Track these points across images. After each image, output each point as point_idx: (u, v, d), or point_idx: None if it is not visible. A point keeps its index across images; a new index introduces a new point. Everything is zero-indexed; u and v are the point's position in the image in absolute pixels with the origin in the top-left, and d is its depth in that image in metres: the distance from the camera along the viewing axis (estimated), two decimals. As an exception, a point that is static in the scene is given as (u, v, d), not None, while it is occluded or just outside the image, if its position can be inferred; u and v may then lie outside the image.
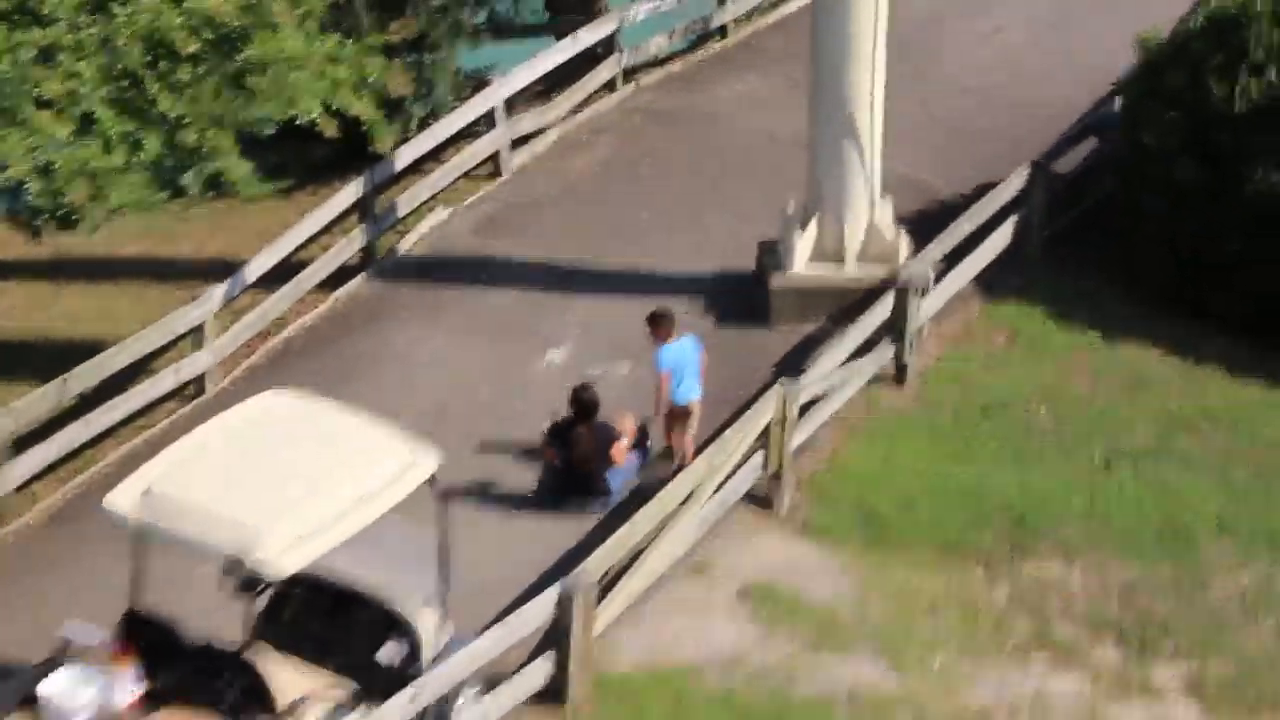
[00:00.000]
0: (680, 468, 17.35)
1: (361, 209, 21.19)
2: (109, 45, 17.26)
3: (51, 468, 17.69)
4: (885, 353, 19.15)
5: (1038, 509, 17.67)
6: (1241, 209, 20.35)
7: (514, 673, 14.41)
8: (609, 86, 25.50)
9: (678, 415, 17.82)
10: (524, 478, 17.52)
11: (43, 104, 16.79)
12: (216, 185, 17.64)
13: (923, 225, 21.16)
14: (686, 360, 17.79)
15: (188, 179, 17.49)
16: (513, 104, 23.54)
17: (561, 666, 14.59)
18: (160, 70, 17.43)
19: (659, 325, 17.83)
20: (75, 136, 16.84)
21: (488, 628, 14.46)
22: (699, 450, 17.11)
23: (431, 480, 13.55)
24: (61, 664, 13.32)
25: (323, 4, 19.25)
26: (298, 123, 18.53)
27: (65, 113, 16.90)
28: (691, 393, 17.81)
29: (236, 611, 13.65)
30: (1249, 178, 20.29)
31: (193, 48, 17.49)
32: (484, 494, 17.13)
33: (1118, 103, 23.25)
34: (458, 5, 24.19)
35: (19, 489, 17.33)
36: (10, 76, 16.60)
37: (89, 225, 17.17)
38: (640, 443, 17.82)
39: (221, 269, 19.81)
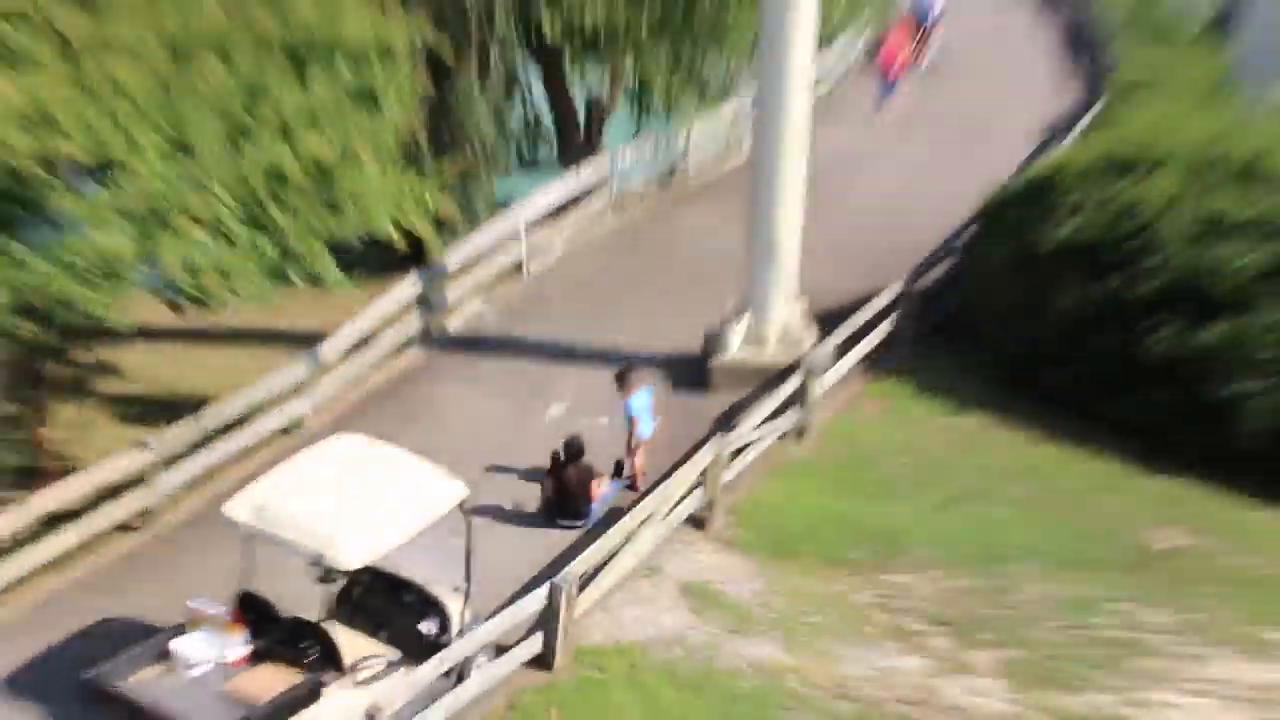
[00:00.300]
0: (632, 479, 17.83)
1: (419, 298, 21.43)
2: (240, 174, 17.36)
3: (190, 482, 17.88)
4: (793, 416, 19.37)
5: (897, 534, 17.92)
6: (1051, 320, 20.69)
7: (515, 644, 14.64)
8: (602, 212, 25.63)
9: (637, 445, 18.16)
10: (527, 501, 17.75)
11: (190, 216, 16.86)
12: (314, 279, 17.69)
13: (824, 321, 21.37)
14: (644, 406, 18.11)
15: (293, 274, 17.52)
16: (531, 223, 23.72)
17: (550, 640, 14.82)
18: (276, 194, 17.54)
19: (624, 383, 18.19)
20: (212, 241, 16.93)
21: (498, 611, 14.67)
22: (656, 483, 17.22)
23: (461, 503, 13.88)
24: (191, 627, 13.58)
25: (397, 148, 19.39)
26: (375, 236, 18.70)
27: (205, 223, 16.96)
28: (647, 430, 18.13)
29: (317, 594, 13.99)
30: (1055, 299, 20.65)
31: (299, 179, 17.63)
32: (497, 512, 17.29)
33: (965, 236, 23.57)
34: (493, 149, 24.32)
35: (167, 495, 17.56)
36: (167, 195, 16.66)
37: (219, 305, 17.25)
38: (616, 473, 18.10)
39: (316, 337, 19.99)
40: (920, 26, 33.46)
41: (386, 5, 20.41)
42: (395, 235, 18.65)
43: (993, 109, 31.72)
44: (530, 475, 18.04)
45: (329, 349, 19.78)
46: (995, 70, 34.70)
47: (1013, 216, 21.94)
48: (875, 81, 31.43)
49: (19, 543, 16.19)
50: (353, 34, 18.95)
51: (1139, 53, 33.92)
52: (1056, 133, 29.73)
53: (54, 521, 16.53)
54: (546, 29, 23.64)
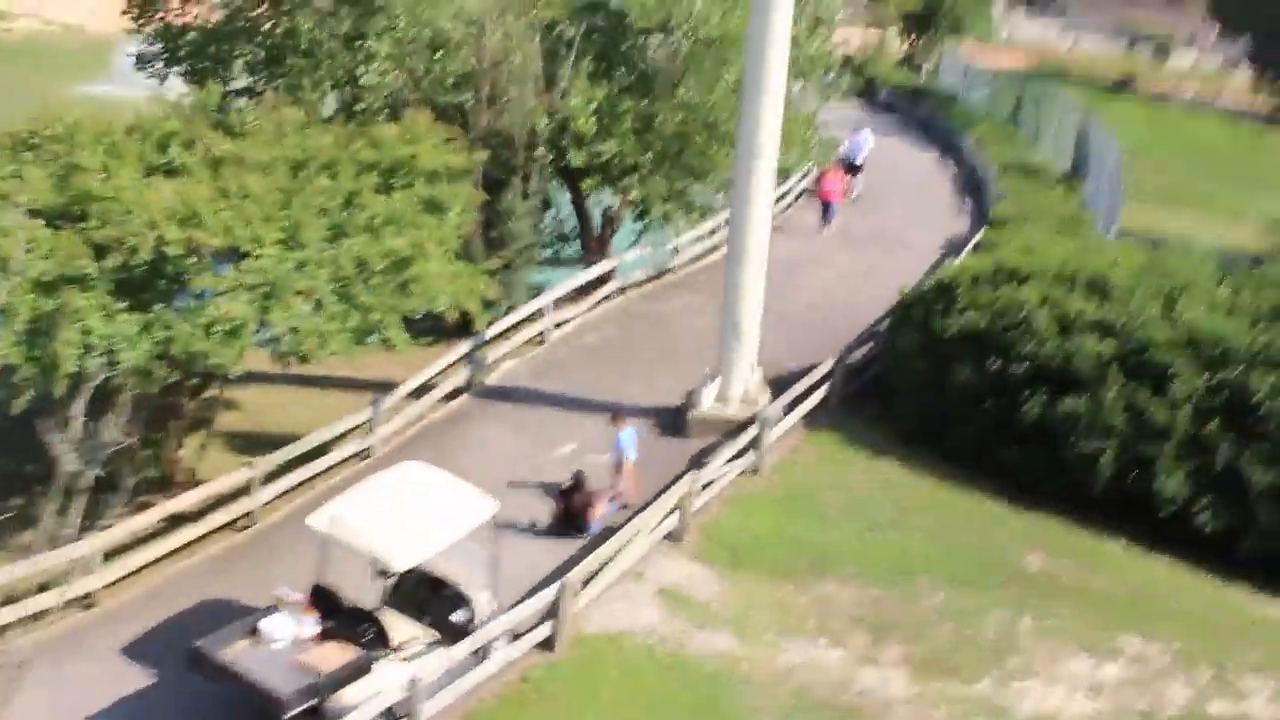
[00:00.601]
0: (621, 498, 17.29)
1: (467, 357, 20.77)
2: (336, 262, 17.03)
3: (283, 495, 17.28)
4: (750, 458, 18.77)
5: (828, 553, 17.22)
6: (950, 390, 20.14)
7: (527, 630, 14.08)
8: (609, 296, 25.01)
9: (625, 470, 17.55)
10: (541, 518, 17.05)
11: (296, 292, 16.53)
12: (387, 342, 17.31)
13: (776, 384, 20.70)
14: (630, 440, 17.54)
15: (372, 339, 17.15)
16: (555, 303, 23.12)
17: (556, 628, 14.29)
18: (362, 277, 17.20)
19: (616, 420, 17.71)
20: (312, 311, 16.59)
21: (516, 604, 14.15)
22: (642, 508, 16.65)
23: (492, 518, 13.38)
24: (275, 610, 12.99)
25: (456, 245, 19.08)
26: (435, 310, 18.20)
27: (308, 297, 16.65)
28: (633, 456, 17.54)
29: (375, 587, 13.39)
30: (953, 374, 20.08)
31: (381, 266, 17.29)
32: (518, 525, 16.57)
33: (885, 324, 23.06)
34: (530, 247, 24.04)
35: (265, 504, 16.97)
36: (280, 276, 16.37)
37: (316, 359, 16.89)
38: (613, 498, 17.44)
39: (387, 385, 19.45)
40: (851, 167, 33.10)
41: (454, 137, 20.23)
42: (451, 312, 18.31)
43: (907, 229, 31.38)
44: (544, 497, 17.37)
45: (396, 395, 19.19)
46: (908, 201, 34.46)
47: (921, 310, 21.43)
48: (818, 207, 30.97)
49: (148, 537, 15.78)
50: (427, 159, 18.92)
51: (1014, 190, 33.63)
52: (954, 248, 29.36)
53: (176, 522, 16.08)
54: (573, 160, 23.79)
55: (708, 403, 20.10)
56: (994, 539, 18.13)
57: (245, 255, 16.45)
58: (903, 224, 31.81)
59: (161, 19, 24.49)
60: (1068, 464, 18.88)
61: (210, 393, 19.21)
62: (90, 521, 12.43)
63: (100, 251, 15.88)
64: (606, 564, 15.33)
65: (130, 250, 15.79)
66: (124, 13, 24.78)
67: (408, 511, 13.11)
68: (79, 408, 9.84)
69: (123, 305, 15.75)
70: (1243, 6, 74.73)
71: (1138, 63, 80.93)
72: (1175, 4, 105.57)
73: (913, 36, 56.32)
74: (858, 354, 22.47)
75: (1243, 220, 44.01)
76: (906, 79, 52.57)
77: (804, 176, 32.04)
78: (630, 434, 17.67)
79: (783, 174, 26.34)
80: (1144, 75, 75.22)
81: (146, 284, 16.20)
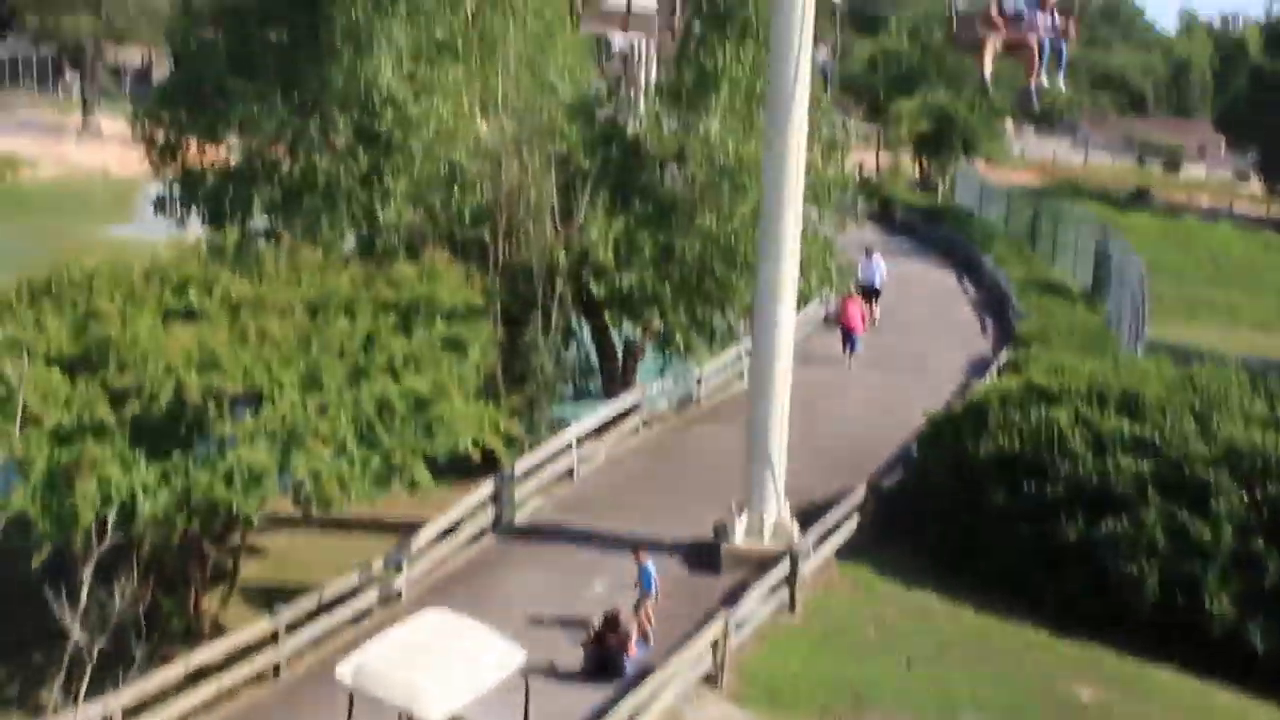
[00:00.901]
0: (645, 634, 16.90)
1: (494, 496, 20.46)
2: (358, 404, 16.94)
3: (310, 643, 16.87)
4: (783, 593, 18.34)
5: (868, 690, 16.71)
6: (985, 516, 19.78)
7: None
8: (635, 430, 24.76)
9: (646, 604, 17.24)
10: (573, 662, 16.58)
11: (317, 436, 16.40)
12: (411, 484, 17.06)
13: (807, 515, 20.31)
14: (650, 573, 17.25)
15: (395, 482, 16.92)
16: (580, 438, 22.82)
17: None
18: (384, 419, 17.08)
19: (638, 553, 17.47)
20: (333, 456, 16.41)
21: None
22: (675, 647, 16.17)
23: (521, 668, 13.03)
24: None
25: (478, 383, 18.98)
26: (459, 450, 17.97)
27: (329, 442, 16.50)
28: (651, 589, 17.21)
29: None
30: (988, 499, 19.75)
31: (402, 408, 17.19)
32: (549, 670, 16.06)
33: (914, 448, 22.79)
34: (553, 382, 23.95)
35: (291, 655, 16.51)
36: (301, 420, 16.29)
37: (337, 507, 16.66)
38: (644, 639, 17.02)
39: (413, 526, 19.13)
40: (869, 292, 33.02)
41: (473, 274, 20.32)
42: (475, 450, 18.11)
43: (930, 351, 31.31)
44: (575, 639, 16.86)
45: (421, 538, 18.84)
46: (929, 321, 34.49)
47: (951, 433, 21.19)
48: (839, 333, 30.75)
49: (173, 692, 15.27)
50: (446, 298, 18.99)
51: (1035, 308, 33.65)
52: (979, 368, 29.24)
53: (200, 675, 15.61)
54: (595, 292, 23.80)
55: (739, 536, 19.73)
56: (1039, 668, 17.60)
57: (264, 399, 16.38)
58: (925, 345, 31.73)
59: (181, 162, 24.95)
60: (1110, 587, 18.45)
61: (233, 540, 18.98)
62: (103, 686, 12.09)
63: (118, 399, 15.85)
64: (642, 709, 14.86)
65: (149, 398, 15.76)
66: (144, 155, 25.26)
67: (436, 660, 12.76)
68: (88, 573, 9.61)
69: (141, 454, 15.64)
70: (1248, 120, 75.83)
71: (1150, 176, 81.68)
72: (1182, 118, 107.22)
73: (924, 158, 57.06)
74: (888, 480, 22.16)
75: (1269, 329, 43.89)
76: (922, 199, 53.12)
77: (823, 302, 32.06)
78: (650, 567, 17.37)
79: (802, 299, 26.35)
80: (1157, 188, 75.84)
81: (166, 432, 16.12)
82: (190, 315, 17.91)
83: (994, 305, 36.74)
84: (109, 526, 13.59)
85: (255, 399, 16.58)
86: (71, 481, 15.03)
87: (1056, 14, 16.69)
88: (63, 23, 67.20)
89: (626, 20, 40.97)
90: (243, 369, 16.47)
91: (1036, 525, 19.25)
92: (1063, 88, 17.66)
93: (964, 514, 20.09)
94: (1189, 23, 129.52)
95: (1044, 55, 16.56)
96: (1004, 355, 29.23)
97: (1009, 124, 68.54)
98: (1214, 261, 55.07)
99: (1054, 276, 39.14)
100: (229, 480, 15.72)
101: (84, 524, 14.68)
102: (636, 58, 30.54)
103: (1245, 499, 18.47)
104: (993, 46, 16.75)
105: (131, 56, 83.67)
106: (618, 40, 25.74)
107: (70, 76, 77.32)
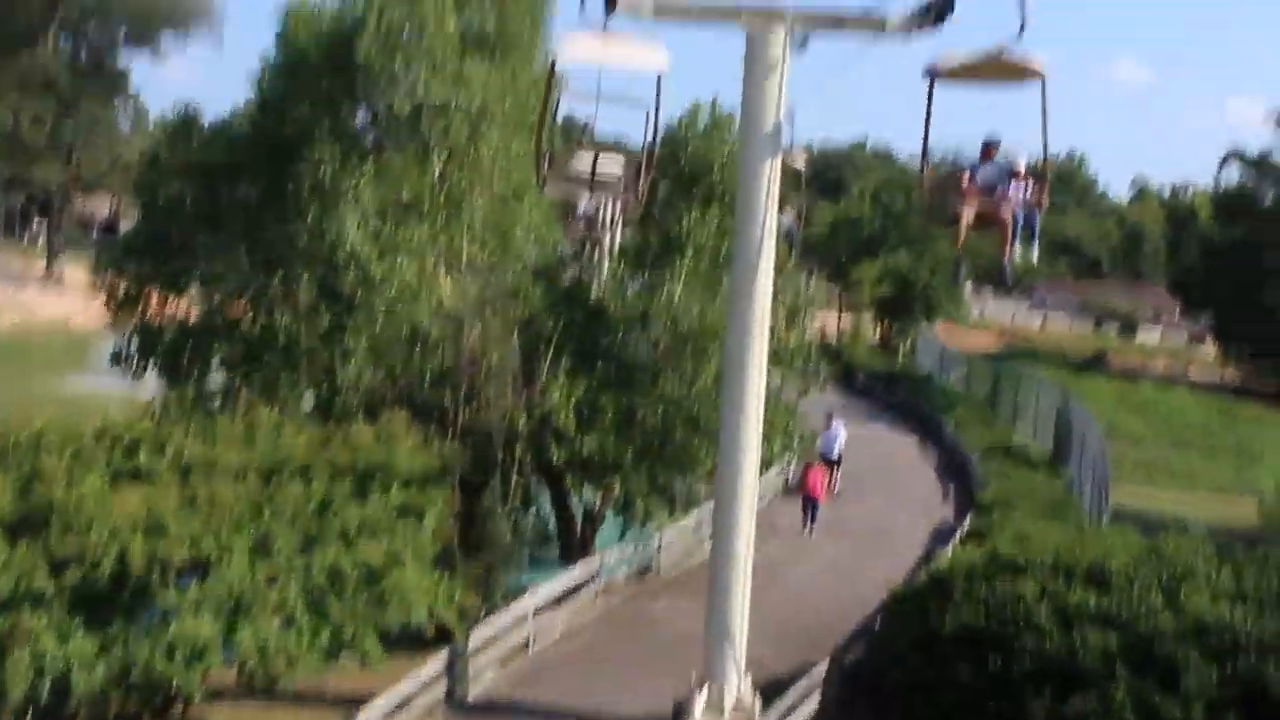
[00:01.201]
0: None
1: (447, 669, 19.69)
2: (309, 573, 16.52)
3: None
4: (746, 774, 17.75)
5: None
6: (951, 693, 19.24)
7: None
8: (593, 600, 24.19)
9: None
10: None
11: (266, 607, 15.93)
12: (361, 657, 16.50)
13: (769, 689, 19.72)
14: None
15: (345, 655, 16.39)
16: (537, 609, 22.17)
17: None
18: (335, 589, 16.65)
19: None
20: (281, 629, 15.91)
21: None
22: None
23: None
24: None
25: (435, 551, 18.60)
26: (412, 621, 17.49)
27: (277, 612, 16.02)
28: None
29: None
30: (953, 675, 19.25)
31: (355, 578, 16.79)
32: None
33: (878, 621, 22.38)
34: (510, 550, 23.56)
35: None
36: (248, 590, 15.85)
37: (284, 682, 16.08)
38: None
39: (362, 699, 18.16)
40: (829, 461, 32.82)
41: (432, 438, 20.09)
42: (428, 625, 17.60)
43: (891, 518, 31.14)
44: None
45: (370, 712, 17.97)
46: (890, 488, 34.36)
47: (915, 606, 20.78)
48: (798, 503, 30.47)
49: None
50: (403, 464, 18.67)
51: (997, 474, 33.63)
52: (941, 536, 29.02)
53: None
54: (554, 458, 23.57)
55: (698, 713, 19.12)
56: None
57: (211, 567, 15.94)
58: (886, 512, 31.55)
59: (141, 315, 24.75)
60: (1083, 769, 17.93)
61: (173, 714, 18.20)
62: None
63: (59, 566, 15.36)
64: None
65: (91, 564, 15.29)
66: (105, 306, 25.05)
67: None
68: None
69: (80, 623, 15.10)
70: (1201, 285, 77.56)
71: (1106, 340, 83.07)
72: (1136, 283, 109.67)
73: (886, 321, 57.82)
74: (850, 654, 21.67)
75: (1229, 495, 44.07)
76: (882, 363, 53.60)
77: (783, 470, 31.85)
78: None
79: (765, 465, 26.20)
80: (1113, 352, 77.06)
81: (107, 600, 15.66)
82: (139, 477, 17.51)
83: (955, 470, 36.71)
84: (42, 702, 13.05)
85: (203, 566, 16.14)
86: (3, 653, 14.46)
87: (1031, 183, 16.65)
88: (33, 171, 67.73)
89: (592, 183, 41.60)
90: (190, 535, 16.08)
91: (1003, 702, 18.73)
92: (1034, 261, 17.66)
93: (929, 690, 19.57)
94: (1141, 189, 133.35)
95: (1018, 228, 16.56)
96: (967, 522, 29.04)
97: (968, 286, 69.83)
98: (1171, 426, 55.62)
99: (1016, 441, 39.28)
100: (170, 654, 15.24)
101: (14, 697, 14.10)
102: (602, 220, 30.84)
103: (1215, 675, 18.12)
104: (966, 220, 16.70)
105: (100, 206, 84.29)
106: (584, 202, 25.91)
107: (37, 225, 77.66)
